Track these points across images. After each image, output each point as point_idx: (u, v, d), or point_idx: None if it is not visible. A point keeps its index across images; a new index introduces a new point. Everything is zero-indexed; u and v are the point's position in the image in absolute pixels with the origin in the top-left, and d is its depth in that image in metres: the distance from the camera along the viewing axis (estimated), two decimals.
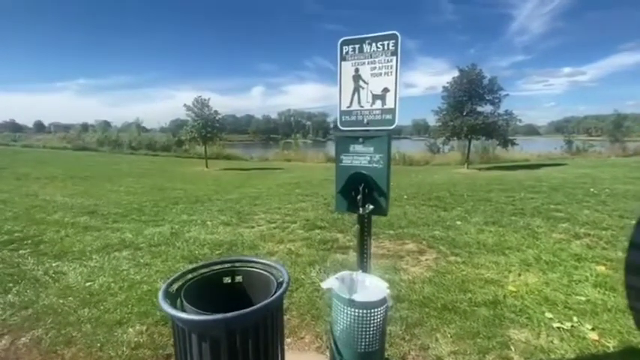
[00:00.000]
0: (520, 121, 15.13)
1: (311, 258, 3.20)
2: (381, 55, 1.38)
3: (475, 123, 12.48)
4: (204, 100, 14.57)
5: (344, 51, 1.44)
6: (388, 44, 1.36)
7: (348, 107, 1.48)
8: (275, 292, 1.23)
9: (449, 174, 11.80)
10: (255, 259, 1.53)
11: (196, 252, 3.44)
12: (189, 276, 1.38)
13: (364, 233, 1.46)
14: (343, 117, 1.50)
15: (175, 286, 1.30)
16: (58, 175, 10.14)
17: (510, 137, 13.59)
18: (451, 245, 3.54)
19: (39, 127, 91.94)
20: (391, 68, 1.37)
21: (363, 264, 1.50)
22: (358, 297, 1.27)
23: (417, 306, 2.33)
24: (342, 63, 1.46)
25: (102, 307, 2.37)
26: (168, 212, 5.48)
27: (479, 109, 13.09)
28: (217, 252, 3.44)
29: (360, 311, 1.25)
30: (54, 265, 3.13)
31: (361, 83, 1.43)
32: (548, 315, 2.20)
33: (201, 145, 15.36)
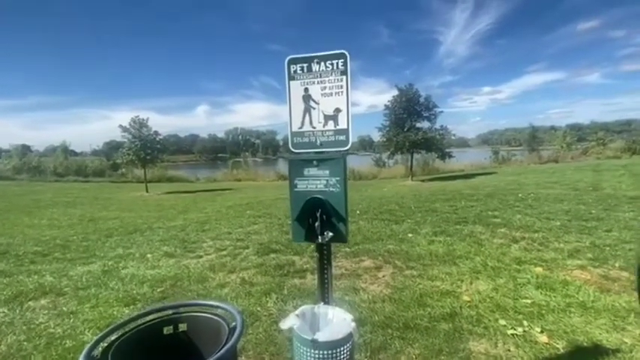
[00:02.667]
0: (454, 135, 16.66)
1: (267, 286, 3.00)
2: (331, 74, 1.33)
3: (416, 138, 13.37)
4: (142, 120, 13.61)
5: (292, 70, 1.37)
6: (337, 63, 1.31)
7: (300, 128, 1.40)
8: (227, 341, 1.06)
9: (396, 187, 12.33)
10: (201, 302, 1.34)
11: (134, 292, 3.03)
12: (121, 331, 1.15)
13: (324, 262, 1.35)
14: (295, 138, 1.41)
15: (102, 348, 1.07)
16: None
17: (447, 150, 14.76)
18: (406, 259, 3.59)
19: None
20: (342, 88, 1.32)
21: (324, 295, 1.39)
22: (322, 336, 1.15)
23: (380, 327, 2.27)
24: (291, 82, 1.38)
25: None
26: (101, 246, 4.86)
27: (418, 125, 14.10)
28: (159, 289, 3.07)
29: (325, 352, 1.13)
30: None
31: (312, 103, 1.37)
32: (502, 322, 2.27)
33: (140, 168, 14.25)
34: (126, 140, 13.53)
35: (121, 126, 13.55)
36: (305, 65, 1.35)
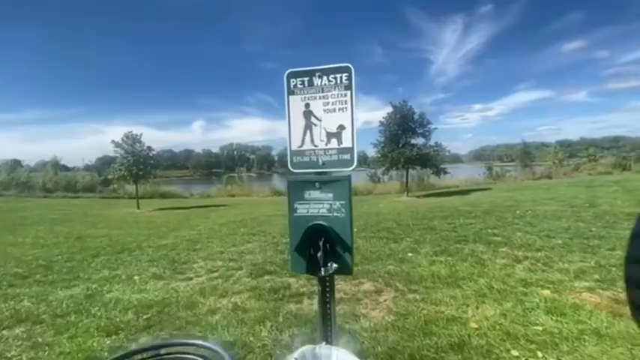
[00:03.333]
0: (449, 151, 16.78)
1: (260, 312, 2.81)
2: (334, 89, 1.23)
3: (411, 154, 13.41)
4: (136, 135, 13.46)
5: (291, 84, 1.27)
6: (341, 77, 1.21)
7: (300, 147, 1.28)
8: None
9: (392, 203, 12.22)
10: (185, 341, 1.18)
11: (117, 319, 2.82)
12: None
13: (326, 297, 1.21)
14: (295, 158, 1.29)
15: None
16: None
17: (442, 166, 14.80)
18: (407, 281, 3.43)
19: None
20: (346, 103, 1.22)
21: (327, 333, 1.23)
22: None
23: None
24: (290, 97, 1.27)
25: None
26: (86, 267, 4.62)
27: (412, 141, 14.17)
28: (145, 317, 2.86)
29: None
30: None
31: (313, 120, 1.26)
32: (514, 353, 2.12)
33: (132, 184, 14.00)
34: (118, 156, 13.36)
35: (113, 141, 13.39)
36: (306, 79, 1.25)
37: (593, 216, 6.46)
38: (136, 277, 3.98)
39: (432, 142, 14.30)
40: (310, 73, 1.24)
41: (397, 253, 4.44)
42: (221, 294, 3.31)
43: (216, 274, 3.93)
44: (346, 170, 1.23)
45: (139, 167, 13.02)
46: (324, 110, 1.24)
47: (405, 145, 13.88)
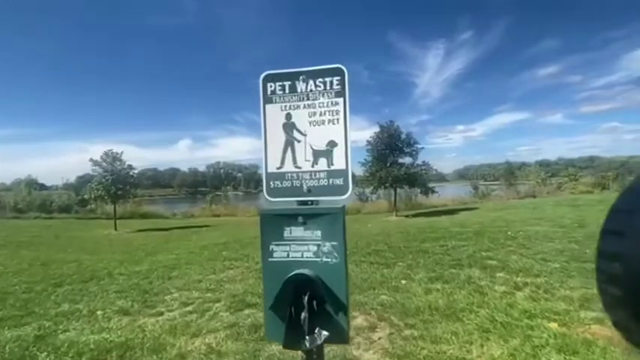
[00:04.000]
0: (436, 170, 16.85)
1: (238, 357, 2.43)
2: (322, 95, 0.98)
3: (398, 173, 13.35)
4: (116, 153, 12.96)
5: (268, 89, 1.01)
6: (331, 82, 0.97)
7: (279, 168, 1.01)
8: None
9: (380, 222, 11.97)
10: None
11: None
12: None
13: None
14: (272, 182, 1.01)
15: None
16: None
17: (430, 186, 14.77)
18: (402, 313, 3.12)
19: None
20: (337, 114, 0.97)
21: None
22: None
23: None
24: (267, 106, 1.01)
25: None
26: (44, 300, 4.12)
27: (400, 160, 14.16)
28: None
29: None
30: None
31: (296, 134, 1.00)
32: None
33: (110, 204, 13.35)
34: (96, 174, 12.78)
35: (92, 159, 12.85)
36: (287, 84, 0.99)
37: (585, 237, 6.35)
38: (99, 313, 3.53)
39: (419, 162, 14.35)
40: (292, 76, 0.99)
41: (390, 280, 4.14)
42: (194, 333, 2.91)
43: (190, 308, 3.52)
44: (339, 199, 0.96)
45: (118, 187, 12.45)
46: (310, 122, 0.98)
47: (392, 164, 13.85)
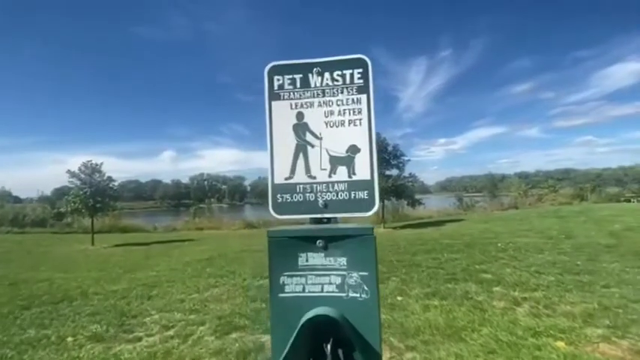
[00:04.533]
0: (423, 182, 16.99)
1: None
2: (341, 91, 0.82)
3: (386, 185, 13.33)
4: (95, 164, 12.42)
5: (275, 83, 0.84)
6: (352, 75, 0.81)
7: (288, 179, 0.83)
8: None
9: None
10: None
11: None
12: None
13: None
14: (279, 196, 0.83)
15: None
16: None
17: (417, 197, 14.83)
18: (402, 334, 2.94)
19: None
20: (360, 113, 0.81)
21: None
22: None
23: None
24: (274, 104, 0.84)
25: None
26: (10, 325, 3.74)
27: (387, 172, 14.19)
28: None
29: None
30: None
31: (309, 138, 0.83)
32: None
33: (87, 217, 12.71)
34: (74, 186, 12.18)
35: (69, 171, 12.26)
36: (298, 77, 0.83)
37: (574, 248, 6.38)
38: (70, 339, 3.19)
39: (405, 174, 14.42)
40: (305, 68, 0.82)
41: (386, 297, 3.95)
42: None
43: (172, 332, 3.22)
44: (363, 216, 0.79)
45: (97, 199, 11.89)
46: (327, 123, 0.82)
47: (380, 176, 13.86)
